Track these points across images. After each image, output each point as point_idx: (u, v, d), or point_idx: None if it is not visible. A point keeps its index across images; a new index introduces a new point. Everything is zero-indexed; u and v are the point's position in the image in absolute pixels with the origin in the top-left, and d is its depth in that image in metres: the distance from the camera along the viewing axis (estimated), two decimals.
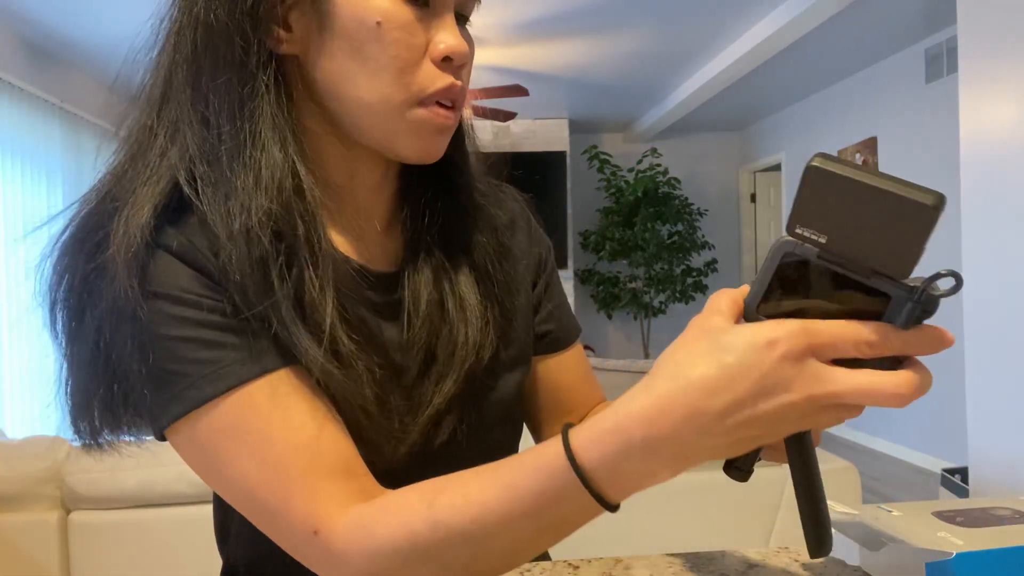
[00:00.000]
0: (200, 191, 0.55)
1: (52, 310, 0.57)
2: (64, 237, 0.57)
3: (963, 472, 2.95)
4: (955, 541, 0.51)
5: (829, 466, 1.90)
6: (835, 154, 5.59)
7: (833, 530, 0.59)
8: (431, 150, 0.61)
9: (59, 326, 0.57)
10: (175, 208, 0.56)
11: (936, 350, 0.40)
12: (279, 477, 0.53)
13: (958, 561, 0.48)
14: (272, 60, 0.57)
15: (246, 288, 0.54)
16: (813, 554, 0.48)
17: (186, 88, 0.57)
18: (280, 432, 0.53)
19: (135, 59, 0.61)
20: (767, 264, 0.44)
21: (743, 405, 0.41)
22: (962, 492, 2.94)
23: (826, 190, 0.39)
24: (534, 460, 0.47)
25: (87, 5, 3.67)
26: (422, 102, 0.59)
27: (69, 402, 0.58)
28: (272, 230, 0.54)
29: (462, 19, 0.62)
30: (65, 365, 0.58)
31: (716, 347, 0.42)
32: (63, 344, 0.57)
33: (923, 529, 0.54)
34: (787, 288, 0.43)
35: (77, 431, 0.59)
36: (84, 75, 4.64)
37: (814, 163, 0.39)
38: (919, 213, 0.37)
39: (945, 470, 3.13)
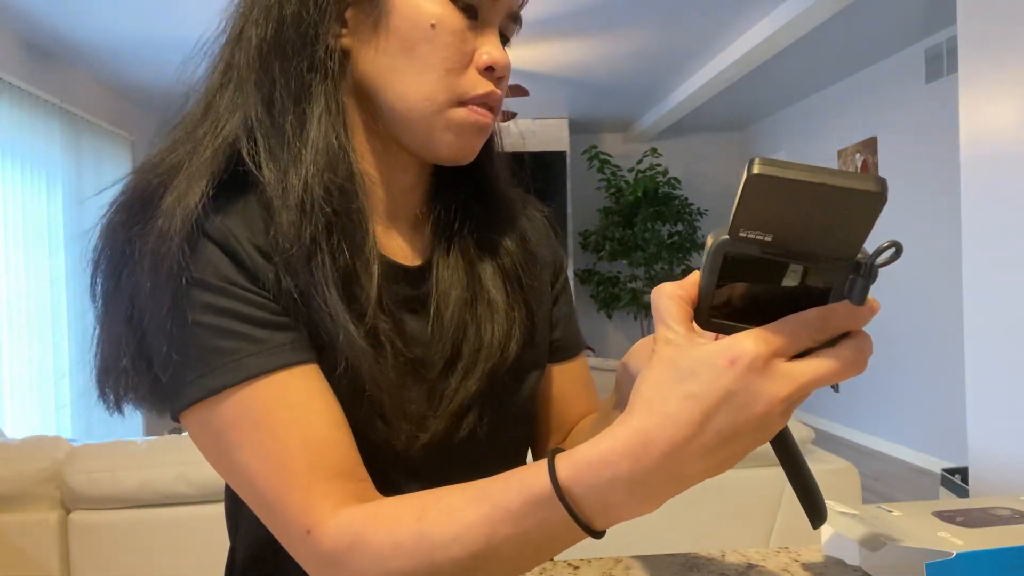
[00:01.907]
0: (262, 163, 0.58)
1: (94, 273, 0.59)
2: (115, 204, 0.59)
3: (963, 472, 2.95)
4: (955, 541, 0.51)
5: (829, 466, 1.90)
6: (835, 155, 5.57)
7: (833, 530, 0.59)
8: (467, 150, 0.64)
9: (99, 289, 0.59)
10: (220, 193, 0.58)
11: (870, 319, 0.42)
12: (279, 472, 0.54)
13: (958, 561, 0.48)
14: (327, 53, 0.61)
15: (293, 260, 0.56)
16: (814, 525, 0.48)
17: (251, 73, 0.60)
18: (287, 428, 0.54)
19: (205, 46, 0.64)
20: (708, 266, 0.43)
21: (721, 427, 0.41)
22: (962, 492, 2.94)
23: (769, 193, 0.39)
24: (520, 484, 0.47)
25: (87, 5, 3.67)
26: (462, 103, 0.62)
27: (98, 364, 0.60)
28: (330, 206, 0.57)
29: (503, 39, 0.66)
30: (98, 329, 0.60)
31: (678, 376, 0.42)
32: (99, 307, 0.59)
33: (923, 529, 0.54)
34: (734, 284, 0.43)
35: (102, 394, 0.60)
36: (84, 75, 4.64)
37: (756, 170, 0.38)
38: (866, 200, 0.38)
39: (945, 470, 3.13)
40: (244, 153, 0.59)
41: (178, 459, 1.71)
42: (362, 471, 0.57)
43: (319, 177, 0.58)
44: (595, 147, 6.63)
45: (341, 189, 0.59)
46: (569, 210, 6.44)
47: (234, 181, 0.59)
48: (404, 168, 0.67)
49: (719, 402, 0.41)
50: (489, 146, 0.72)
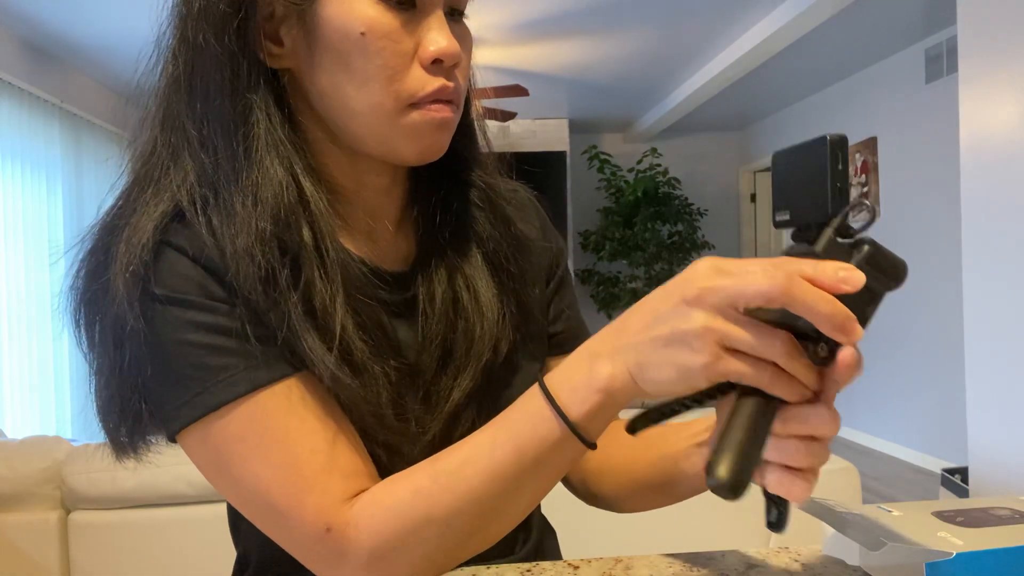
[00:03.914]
0: (200, 212, 0.56)
1: (76, 329, 0.58)
2: (78, 257, 0.59)
3: (963, 472, 2.95)
4: (955, 541, 0.51)
5: (829, 466, 1.89)
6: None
7: (831, 529, 0.59)
8: (431, 149, 0.61)
9: (83, 343, 0.58)
10: (183, 216, 0.57)
11: (839, 280, 0.42)
12: (293, 477, 0.54)
13: (958, 561, 0.48)
14: (262, 77, 0.58)
15: (254, 303, 0.54)
16: (715, 482, 0.43)
17: (183, 111, 0.58)
18: (295, 436, 0.54)
19: (139, 81, 0.61)
20: None
21: (653, 298, 0.47)
22: (962, 492, 2.94)
23: (781, 170, 0.46)
24: (517, 400, 0.54)
25: (87, 5, 3.67)
26: (414, 105, 0.58)
27: (103, 411, 0.59)
28: (275, 246, 0.55)
29: (457, 13, 0.62)
30: (92, 379, 0.59)
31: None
32: (87, 358, 0.59)
33: (923, 529, 0.54)
34: None
35: (110, 439, 0.60)
36: (84, 75, 4.64)
37: (776, 152, 0.46)
38: (817, 151, 0.44)
39: (945, 470, 3.13)
40: (184, 203, 0.56)
41: (178, 459, 1.71)
42: (371, 468, 0.57)
43: (261, 219, 0.55)
44: (595, 147, 6.63)
45: (289, 222, 0.56)
46: (569, 210, 6.44)
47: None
48: (377, 172, 0.65)
49: (660, 288, 0.47)
50: (467, 135, 0.69)
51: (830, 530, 0.59)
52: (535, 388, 0.52)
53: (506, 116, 4.91)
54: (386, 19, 0.56)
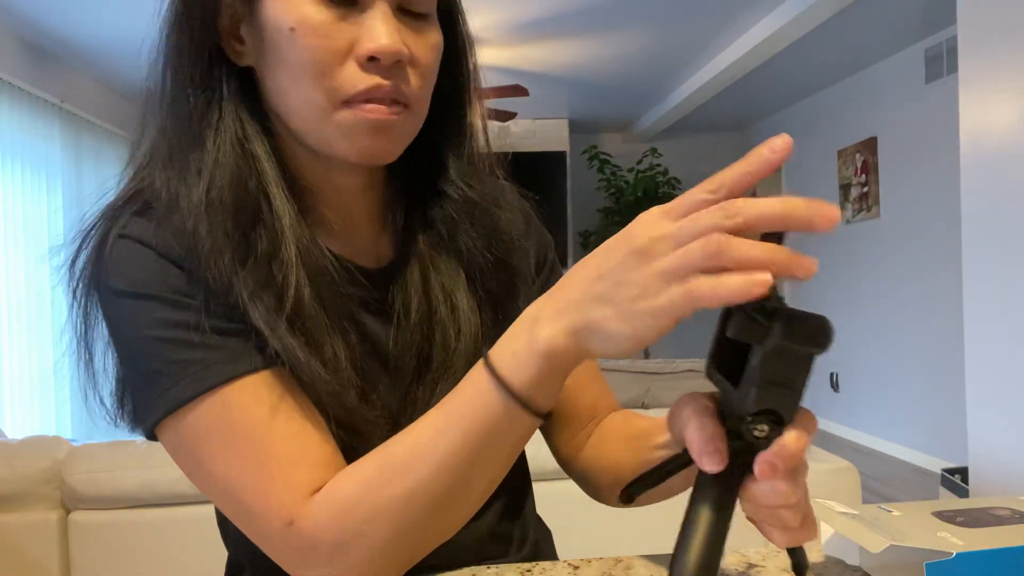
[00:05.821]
0: (163, 204, 0.57)
1: (73, 322, 0.60)
2: (71, 249, 0.60)
3: (963, 472, 2.95)
4: (955, 541, 0.51)
5: (829, 466, 1.89)
6: (835, 155, 5.56)
7: (831, 529, 0.59)
8: (371, 151, 0.59)
9: (80, 335, 0.60)
10: (147, 207, 0.58)
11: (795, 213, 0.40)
12: (258, 470, 0.54)
13: (958, 561, 0.48)
14: (229, 72, 0.60)
15: (222, 294, 0.55)
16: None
17: (158, 105, 0.61)
18: (263, 428, 0.54)
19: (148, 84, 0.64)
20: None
21: (590, 261, 0.46)
22: (962, 492, 2.94)
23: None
24: (463, 380, 0.52)
25: (87, 5, 3.67)
26: (347, 103, 0.57)
27: (112, 395, 0.61)
28: (238, 236, 0.56)
29: (412, 14, 0.59)
30: (91, 364, 0.61)
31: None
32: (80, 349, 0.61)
33: (923, 529, 0.54)
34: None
35: (123, 414, 0.61)
36: (84, 75, 4.64)
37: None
38: None
39: (945, 470, 3.13)
40: (150, 196, 0.58)
41: None
42: (341, 461, 0.57)
43: (228, 212, 0.56)
44: (595, 147, 6.62)
45: (243, 202, 0.57)
46: (569, 210, 6.43)
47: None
48: (343, 172, 0.64)
49: (601, 247, 0.46)
50: (453, 141, 0.68)
51: (830, 530, 0.59)
52: (480, 361, 0.51)
53: (506, 116, 4.91)
54: (320, 15, 0.55)
